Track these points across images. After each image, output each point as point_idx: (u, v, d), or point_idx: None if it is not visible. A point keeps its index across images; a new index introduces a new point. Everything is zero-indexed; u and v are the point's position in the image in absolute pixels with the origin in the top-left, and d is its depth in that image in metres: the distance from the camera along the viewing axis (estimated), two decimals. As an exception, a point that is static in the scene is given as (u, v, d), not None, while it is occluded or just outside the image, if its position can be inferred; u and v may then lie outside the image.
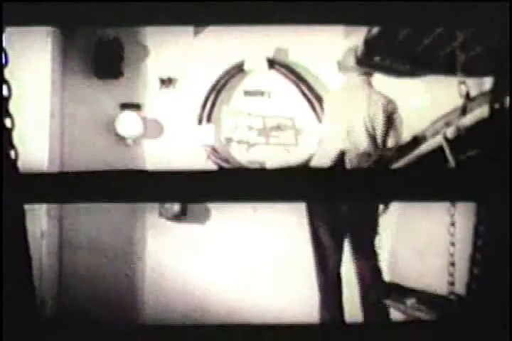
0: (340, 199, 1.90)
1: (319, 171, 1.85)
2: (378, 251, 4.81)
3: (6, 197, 1.34)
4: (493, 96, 1.53)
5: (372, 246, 4.79)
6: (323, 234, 4.75)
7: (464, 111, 2.54)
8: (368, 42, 4.33)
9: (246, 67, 6.34)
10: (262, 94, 6.41)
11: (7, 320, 1.54)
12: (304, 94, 6.31)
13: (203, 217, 6.20)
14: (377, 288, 4.62)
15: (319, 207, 4.74)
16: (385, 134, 4.89)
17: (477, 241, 1.55)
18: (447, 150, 2.69)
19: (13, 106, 4.91)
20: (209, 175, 1.33)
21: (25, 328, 1.50)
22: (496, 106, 1.56)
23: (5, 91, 1.44)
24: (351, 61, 4.91)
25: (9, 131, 1.34)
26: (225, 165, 6.31)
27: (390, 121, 4.92)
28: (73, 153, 6.26)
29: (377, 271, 4.74)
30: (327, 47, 6.24)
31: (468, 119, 2.45)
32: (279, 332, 1.47)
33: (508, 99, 1.46)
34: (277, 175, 1.46)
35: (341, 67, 5.33)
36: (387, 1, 1.55)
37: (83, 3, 1.46)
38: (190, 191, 1.33)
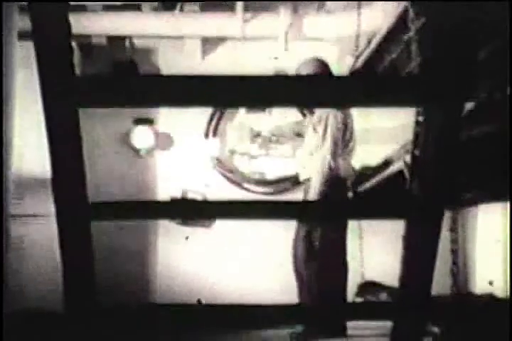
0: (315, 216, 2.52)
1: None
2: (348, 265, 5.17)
3: (77, 217, 2.00)
4: (415, 145, 2.17)
5: (344, 262, 5.18)
6: (302, 248, 5.16)
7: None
8: (353, 74, 5.00)
9: (249, 86, 6.89)
10: (263, 110, 6.87)
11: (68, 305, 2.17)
12: (302, 111, 6.86)
13: (208, 222, 6.71)
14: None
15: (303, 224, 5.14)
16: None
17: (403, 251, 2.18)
18: (406, 174, 3.30)
19: (33, 123, 5.51)
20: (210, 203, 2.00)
21: (85, 313, 2.13)
22: (416, 152, 2.20)
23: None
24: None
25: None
26: (229, 175, 6.90)
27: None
28: (92, 164, 6.74)
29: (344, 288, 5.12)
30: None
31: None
32: (265, 309, 2.14)
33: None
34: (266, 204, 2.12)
35: None
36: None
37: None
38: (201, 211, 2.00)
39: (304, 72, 5.35)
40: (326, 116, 5.19)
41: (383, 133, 6.44)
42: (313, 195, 5.14)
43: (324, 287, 4.97)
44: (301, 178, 5.50)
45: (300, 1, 6.72)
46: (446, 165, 2.01)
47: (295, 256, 5.28)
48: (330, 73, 5.46)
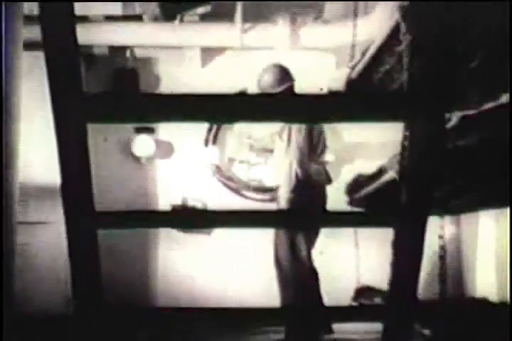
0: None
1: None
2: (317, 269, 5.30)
3: (85, 225, 2.13)
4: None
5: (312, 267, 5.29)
6: (283, 251, 5.27)
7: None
8: (348, 85, 5.10)
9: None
10: (261, 119, 7.05)
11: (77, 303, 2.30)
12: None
13: (208, 229, 6.78)
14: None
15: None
16: None
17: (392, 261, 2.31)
18: (399, 182, 3.40)
19: (36, 130, 5.61)
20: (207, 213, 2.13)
21: (93, 310, 2.26)
22: (403, 163, 2.33)
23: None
24: (266, 80, 5.49)
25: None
26: (228, 182, 7.02)
27: None
28: (94, 171, 6.88)
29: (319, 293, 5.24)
30: (319, 77, 6.96)
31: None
32: (255, 312, 2.27)
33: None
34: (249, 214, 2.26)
35: (259, 85, 5.61)
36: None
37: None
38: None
39: (265, 78, 5.47)
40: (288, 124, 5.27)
41: (378, 147, 6.55)
42: (283, 202, 5.22)
43: (301, 290, 5.08)
44: (272, 185, 5.59)
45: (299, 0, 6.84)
46: (429, 176, 2.15)
47: (277, 261, 5.32)
48: (290, 79, 5.58)
